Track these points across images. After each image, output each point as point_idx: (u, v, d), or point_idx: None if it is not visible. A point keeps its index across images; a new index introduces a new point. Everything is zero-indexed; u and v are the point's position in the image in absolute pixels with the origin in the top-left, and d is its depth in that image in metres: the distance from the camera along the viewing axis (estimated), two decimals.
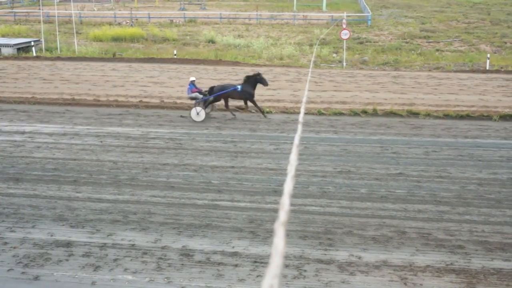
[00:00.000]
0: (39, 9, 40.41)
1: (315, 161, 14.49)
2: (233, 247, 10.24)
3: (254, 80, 18.40)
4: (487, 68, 26.30)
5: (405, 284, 9.13)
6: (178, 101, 20.37)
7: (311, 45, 32.29)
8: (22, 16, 47.00)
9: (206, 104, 18.29)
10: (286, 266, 9.53)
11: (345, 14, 37.55)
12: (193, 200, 12.25)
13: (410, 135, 16.84)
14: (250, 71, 25.79)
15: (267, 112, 18.88)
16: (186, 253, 10.02)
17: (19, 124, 17.85)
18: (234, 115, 18.58)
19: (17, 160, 14.65)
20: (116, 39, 34.92)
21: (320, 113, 18.85)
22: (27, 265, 9.63)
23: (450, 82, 23.57)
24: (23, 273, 9.40)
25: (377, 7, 55.36)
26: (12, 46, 30.42)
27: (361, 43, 34.12)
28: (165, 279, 9.23)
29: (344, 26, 28.50)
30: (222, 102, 18.69)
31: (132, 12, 45.74)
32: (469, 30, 39.16)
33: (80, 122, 18.11)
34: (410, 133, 17.08)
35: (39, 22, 36.64)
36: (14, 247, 10.21)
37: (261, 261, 9.75)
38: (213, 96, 18.25)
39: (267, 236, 10.62)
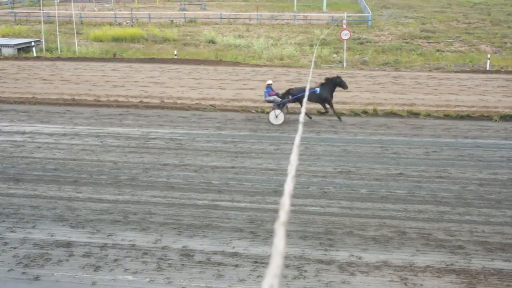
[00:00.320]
0: (40, 9, 40.42)
1: (315, 162, 14.49)
2: (233, 247, 10.25)
3: (333, 83, 18.07)
4: (488, 68, 26.29)
5: (405, 284, 9.13)
6: (179, 101, 20.38)
7: (311, 46, 32.30)
8: (23, 16, 46.98)
9: (282, 106, 18.05)
10: (287, 266, 9.53)
11: (345, 14, 37.56)
12: (194, 200, 12.25)
13: (410, 136, 16.85)
14: (250, 71, 25.90)
15: (268, 113, 18.86)
16: (187, 254, 10.02)
17: (19, 125, 17.85)
18: (310, 117, 18.23)
19: (18, 160, 14.65)
20: (117, 39, 34.92)
21: (320, 113, 18.85)
22: (27, 265, 9.63)
23: (450, 83, 23.57)
24: (23, 273, 9.41)
25: (378, 7, 55.35)
26: (13, 47, 30.42)
27: (361, 43, 34.12)
28: (166, 280, 9.23)
29: (344, 26, 28.49)
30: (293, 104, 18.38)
31: (133, 12, 45.75)
32: (469, 31, 39.15)
33: (81, 122, 18.11)
34: (410, 133, 17.08)
35: (40, 22, 36.66)
36: (15, 247, 10.22)
37: (261, 262, 9.75)
38: (292, 99, 17.97)
39: (268, 236, 10.63)
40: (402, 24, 42.79)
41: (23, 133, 16.98)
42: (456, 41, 35.10)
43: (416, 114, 18.86)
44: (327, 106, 18.26)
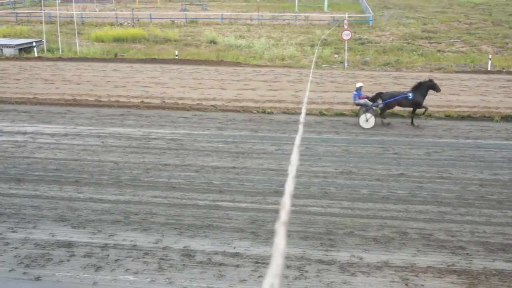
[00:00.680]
0: (41, 9, 40.46)
1: (316, 162, 14.49)
2: (234, 247, 10.25)
3: (426, 87, 17.67)
4: (489, 69, 26.28)
5: (406, 285, 9.13)
6: (180, 101, 20.39)
7: (312, 46, 32.29)
8: (24, 16, 47.05)
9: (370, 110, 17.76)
10: (288, 266, 9.53)
11: (346, 14, 37.53)
12: (195, 200, 12.25)
13: (411, 136, 16.84)
14: (251, 71, 25.91)
15: (269, 113, 18.87)
16: (188, 254, 10.03)
17: (20, 125, 17.87)
18: (389, 122, 17.96)
19: (19, 161, 14.67)
20: (118, 39, 34.95)
21: (321, 114, 18.86)
22: (28, 265, 9.64)
23: (451, 83, 23.55)
24: (24, 273, 9.42)
25: (379, 7, 55.34)
26: (14, 47, 30.46)
27: (362, 43, 34.11)
28: (167, 280, 9.24)
29: (345, 26, 28.49)
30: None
31: (134, 12, 45.78)
32: (470, 31, 39.12)
33: (82, 122, 18.13)
34: (411, 133, 17.08)
35: (41, 22, 36.69)
36: (16, 248, 10.23)
37: (262, 262, 9.75)
38: (384, 104, 17.67)
39: (269, 237, 10.63)
40: (403, 24, 42.77)
41: (25, 133, 17.00)
42: (457, 41, 35.08)
43: (417, 115, 18.84)
44: (421, 109, 17.88)
